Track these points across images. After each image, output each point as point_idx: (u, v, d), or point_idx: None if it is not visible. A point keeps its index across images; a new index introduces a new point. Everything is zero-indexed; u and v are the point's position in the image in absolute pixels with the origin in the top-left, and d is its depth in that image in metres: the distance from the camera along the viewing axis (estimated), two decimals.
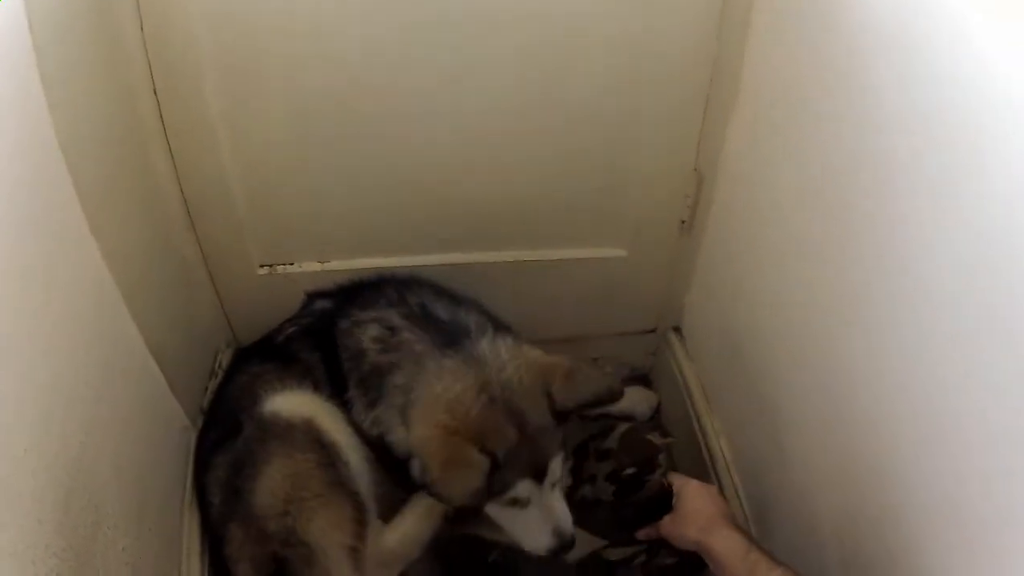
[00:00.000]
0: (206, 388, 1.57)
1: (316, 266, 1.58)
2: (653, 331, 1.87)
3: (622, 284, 1.73)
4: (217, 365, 1.62)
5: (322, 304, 1.51)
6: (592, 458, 1.36)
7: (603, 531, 1.36)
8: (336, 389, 1.39)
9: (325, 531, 1.29)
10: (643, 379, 1.94)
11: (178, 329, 1.46)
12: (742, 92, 1.35)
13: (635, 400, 1.83)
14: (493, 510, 1.25)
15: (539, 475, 1.23)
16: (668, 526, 1.30)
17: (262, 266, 1.57)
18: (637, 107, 1.41)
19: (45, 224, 0.96)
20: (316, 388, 1.40)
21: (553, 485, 1.26)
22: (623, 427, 1.39)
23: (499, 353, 1.25)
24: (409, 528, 1.40)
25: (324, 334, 1.43)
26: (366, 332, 1.36)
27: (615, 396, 1.27)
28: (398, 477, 1.35)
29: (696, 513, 1.27)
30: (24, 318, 0.89)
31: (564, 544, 1.25)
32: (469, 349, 1.25)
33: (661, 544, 1.34)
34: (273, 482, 1.30)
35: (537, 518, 1.25)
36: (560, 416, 1.23)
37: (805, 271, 1.23)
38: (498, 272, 1.64)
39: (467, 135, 1.42)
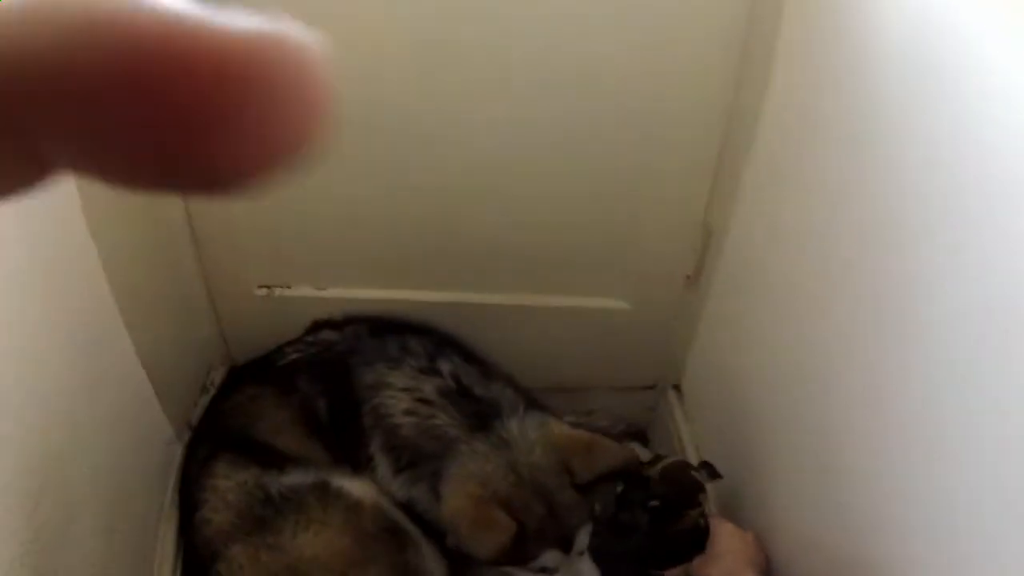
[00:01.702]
0: (196, 403, 1.55)
1: (312, 291, 1.57)
2: (652, 387, 1.84)
3: (623, 337, 1.71)
4: (209, 381, 1.60)
5: (328, 335, 1.50)
6: (635, 486, 1.37)
7: (635, 559, 1.36)
8: (341, 432, 1.40)
9: None
10: (640, 435, 1.91)
11: (171, 340, 1.45)
12: (756, 146, 1.35)
13: None
14: None
15: (566, 546, 1.26)
16: (696, 566, 1.28)
17: (260, 287, 1.56)
18: (649, 159, 1.41)
19: (47, 230, 0.97)
20: (315, 423, 1.41)
21: (580, 553, 1.28)
22: (669, 460, 1.40)
23: (527, 434, 1.29)
24: None
25: (330, 369, 1.44)
26: (398, 403, 1.37)
27: (631, 468, 1.31)
28: None
29: (723, 556, 1.24)
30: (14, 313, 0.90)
31: None
32: (499, 431, 1.29)
33: None
34: (333, 546, 1.29)
35: None
36: (582, 488, 1.26)
37: (811, 338, 1.20)
38: (496, 315, 1.62)
39: (473, 175, 1.41)
